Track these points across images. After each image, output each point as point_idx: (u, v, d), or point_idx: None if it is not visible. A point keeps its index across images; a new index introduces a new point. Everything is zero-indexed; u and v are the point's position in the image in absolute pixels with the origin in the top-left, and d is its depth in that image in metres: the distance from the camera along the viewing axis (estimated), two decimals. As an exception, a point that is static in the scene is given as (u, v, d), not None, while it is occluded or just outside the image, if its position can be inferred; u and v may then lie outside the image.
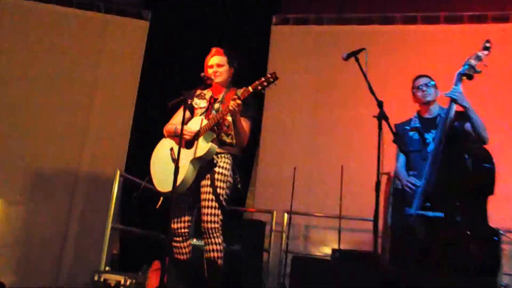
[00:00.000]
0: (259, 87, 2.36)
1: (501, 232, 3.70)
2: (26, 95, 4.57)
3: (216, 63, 2.60)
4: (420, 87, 2.64)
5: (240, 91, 2.52)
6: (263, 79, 2.36)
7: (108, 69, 4.84)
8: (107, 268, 3.47)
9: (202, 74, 2.56)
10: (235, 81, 2.71)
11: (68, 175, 4.52)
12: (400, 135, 2.59)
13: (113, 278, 3.10)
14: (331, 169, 4.19)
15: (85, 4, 4.90)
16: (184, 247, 2.56)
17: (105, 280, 3.11)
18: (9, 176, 4.35)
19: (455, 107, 2.42)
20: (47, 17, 4.74)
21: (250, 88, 2.38)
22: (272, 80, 2.35)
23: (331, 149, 4.61)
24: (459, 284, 1.76)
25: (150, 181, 2.59)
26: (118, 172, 3.71)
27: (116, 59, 4.88)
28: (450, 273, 2.15)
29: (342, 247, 3.79)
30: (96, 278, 3.14)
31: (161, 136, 2.69)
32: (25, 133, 4.45)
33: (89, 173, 4.58)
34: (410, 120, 2.70)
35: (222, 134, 2.53)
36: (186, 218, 2.54)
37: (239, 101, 2.34)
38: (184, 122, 2.54)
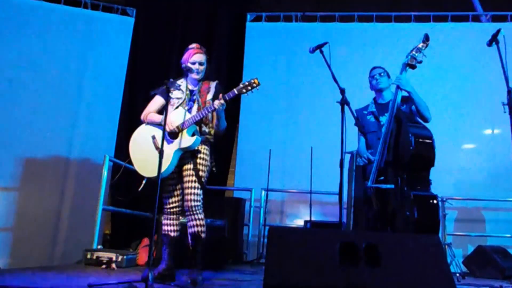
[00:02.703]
0: (244, 91, 2.40)
1: (444, 199, 3.91)
2: (17, 85, 4.40)
3: (199, 61, 2.57)
4: (374, 76, 2.70)
5: (213, 84, 2.55)
6: (247, 83, 2.39)
7: (96, 60, 4.73)
8: (99, 247, 3.40)
9: (183, 65, 2.51)
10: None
11: (60, 160, 4.40)
12: (359, 118, 2.66)
13: (105, 255, 3.05)
14: (302, 150, 4.26)
15: (73, 1, 4.78)
16: (176, 225, 2.58)
17: (97, 257, 3.05)
18: (2, 162, 4.18)
19: (401, 93, 2.50)
20: (37, 13, 4.60)
21: (235, 91, 2.41)
22: (255, 85, 2.39)
23: (302, 132, 4.68)
24: (408, 240, 1.84)
25: (131, 164, 2.55)
26: (107, 157, 3.64)
27: (103, 53, 4.77)
28: (400, 233, 2.25)
29: (314, 218, 3.87)
30: (89, 255, 3.07)
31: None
32: (17, 121, 4.29)
33: (80, 158, 4.47)
34: (367, 105, 2.77)
35: (202, 125, 2.55)
36: (177, 198, 2.55)
37: (223, 102, 2.38)
38: (160, 110, 2.56)
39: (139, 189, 2.45)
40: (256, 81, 2.38)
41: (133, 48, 4.88)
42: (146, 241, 3.56)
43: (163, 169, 2.36)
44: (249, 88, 2.38)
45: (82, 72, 4.65)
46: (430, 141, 2.39)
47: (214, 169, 2.59)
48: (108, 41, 4.81)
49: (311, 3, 5.11)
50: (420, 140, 2.36)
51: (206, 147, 2.53)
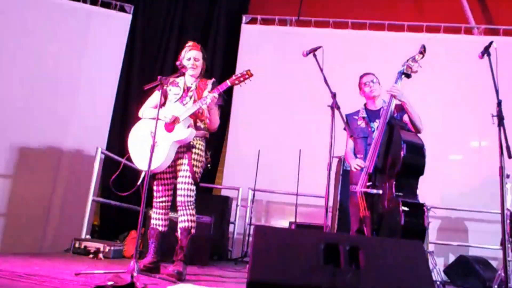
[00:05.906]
0: (236, 82, 2.40)
1: (428, 207, 3.96)
2: (13, 77, 4.36)
3: (194, 57, 2.59)
4: (367, 83, 2.71)
5: (210, 82, 2.56)
6: (239, 75, 2.39)
7: (92, 55, 4.71)
8: (87, 237, 3.40)
9: (178, 62, 2.52)
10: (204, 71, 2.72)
11: (54, 150, 4.37)
12: (349, 123, 2.69)
13: (93, 245, 3.06)
14: (290, 152, 4.27)
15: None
16: (165, 220, 2.58)
17: (85, 247, 3.06)
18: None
19: (394, 101, 2.52)
20: (37, 5, 4.57)
21: (228, 83, 2.43)
22: (248, 77, 2.41)
23: (290, 134, 4.70)
24: (391, 245, 1.87)
25: (129, 159, 2.54)
26: (99, 150, 3.63)
27: (100, 47, 4.76)
28: (383, 237, 2.28)
29: (298, 220, 3.89)
30: (77, 245, 3.08)
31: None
32: (13, 110, 4.26)
33: (73, 149, 4.45)
34: (358, 111, 2.79)
35: (197, 120, 2.55)
36: (168, 192, 2.56)
37: (216, 95, 2.39)
38: (159, 106, 2.53)
39: (138, 183, 2.45)
40: (248, 72, 2.40)
41: (130, 44, 4.88)
42: (133, 233, 3.57)
43: (159, 162, 2.38)
44: (241, 79, 2.40)
45: (78, 64, 4.63)
46: (421, 149, 2.40)
47: (209, 165, 2.61)
48: (105, 36, 4.79)
49: (306, 8, 5.14)
50: (412, 147, 2.37)
51: (201, 142, 2.54)
